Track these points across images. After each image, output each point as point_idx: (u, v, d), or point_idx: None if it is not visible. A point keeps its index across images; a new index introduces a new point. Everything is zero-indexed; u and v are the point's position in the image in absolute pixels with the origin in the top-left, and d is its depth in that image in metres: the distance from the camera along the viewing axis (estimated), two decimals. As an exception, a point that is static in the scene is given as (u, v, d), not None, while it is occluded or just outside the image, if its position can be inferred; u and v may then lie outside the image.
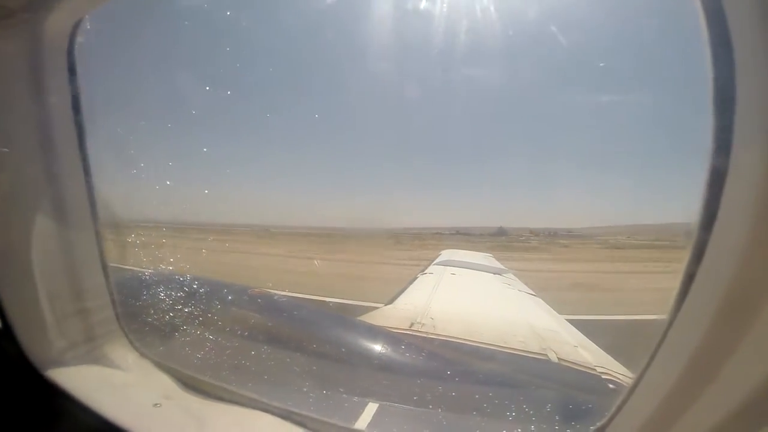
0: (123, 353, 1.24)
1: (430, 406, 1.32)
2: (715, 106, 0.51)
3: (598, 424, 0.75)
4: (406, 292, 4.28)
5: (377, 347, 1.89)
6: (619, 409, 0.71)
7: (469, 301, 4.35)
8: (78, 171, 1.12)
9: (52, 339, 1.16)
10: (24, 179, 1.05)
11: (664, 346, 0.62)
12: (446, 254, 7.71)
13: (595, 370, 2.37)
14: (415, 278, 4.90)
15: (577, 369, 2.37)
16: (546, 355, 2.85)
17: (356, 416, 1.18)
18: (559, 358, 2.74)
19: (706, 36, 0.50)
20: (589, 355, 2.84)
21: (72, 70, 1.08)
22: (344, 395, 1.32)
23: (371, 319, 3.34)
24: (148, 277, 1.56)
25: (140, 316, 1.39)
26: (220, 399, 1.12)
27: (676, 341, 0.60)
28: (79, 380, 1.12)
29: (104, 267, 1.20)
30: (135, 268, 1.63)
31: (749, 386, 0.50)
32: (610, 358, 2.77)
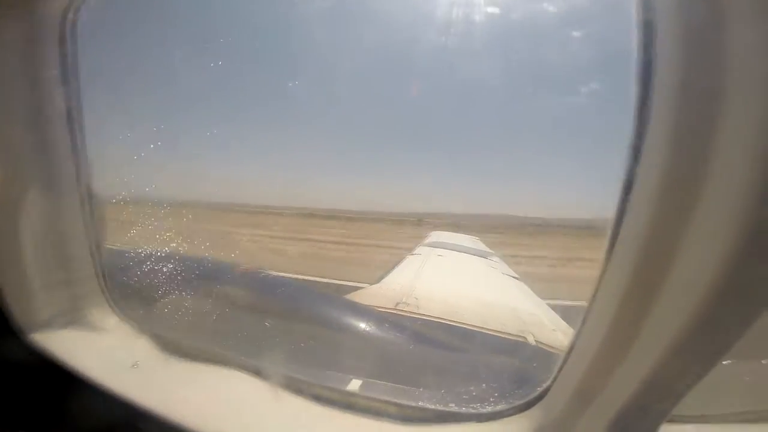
0: (104, 317, 1.29)
1: (411, 383, 1.40)
2: (635, 115, 0.57)
3: (544, 385, 0.85)
4: (393, 272, 4.37)
5: (361, 325, 1.94)
6: (560, 370, 0.79)
7: (454, 282, 4.46)
8: (67, 145, 1.14)
9: (38, 305, 1.20)
10: (15, 152, 1.07)
11: (590, 317, 0.69)
12: (435, 236, 7.84)
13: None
14: (404, 258, 5.00)
15: (548, 350, 2.49)
16: (524, 337, 2.97)
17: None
18: (536, 341, 2.87)
19: (638, 38, 0.55)
20: (565, 339, 2.96)
21: (63, 46, 1.07)
22: (327, 371, 1.36)
23: (357, 298, 3.42)
24: (136, 251, 1.60)
25: (123, 282, 1.44)
26: (198, 360, 1.17)
27: (598, 313, 0.67)
28: (62, 344, 1.17)
29: (90, 237, 1.23)
30: (124, 246, 1.67)
31: (660, 349, 0.57)
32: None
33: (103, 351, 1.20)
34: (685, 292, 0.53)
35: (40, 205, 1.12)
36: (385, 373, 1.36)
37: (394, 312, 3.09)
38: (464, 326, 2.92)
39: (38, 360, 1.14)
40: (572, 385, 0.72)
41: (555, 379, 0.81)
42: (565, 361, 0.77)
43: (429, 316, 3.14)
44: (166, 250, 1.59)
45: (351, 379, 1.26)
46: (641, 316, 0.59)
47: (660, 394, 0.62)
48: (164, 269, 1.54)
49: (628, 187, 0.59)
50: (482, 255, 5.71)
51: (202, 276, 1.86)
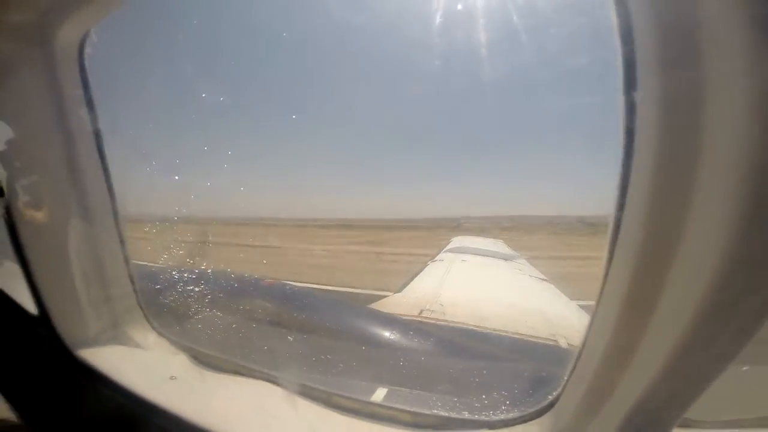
0: (144, 334, 1.39)
1: (438, 390, 1.36)
2: (624, 110, 0.57)
3: (555, 392, 0.84)
4: (416, 279, 4.36)
5: (386, 333, 1.95)
6: (569, 376, 0.78)
7: (479, 287, 4.40)
8: (98, 172, 1.24)
9: (83, 324, 1.31)
10: (52, 182, 1.18)
11: (595, 321, 0.68)
12: (457, 241, 7.71)
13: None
14: (426, 266, 4.97)
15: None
16: (555, 340, 2.89)
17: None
18: (569, 344, 2.78)
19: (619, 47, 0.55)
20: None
21: (84, 79, 1.17)
22: (353, 380, 1.39)
23: (382, 306, 3.43)
24: (165, 269, 1.71)
25: (159, 302, 1.54)
26: (230, 372, 1.24)
27: (603, 316, 0.66)
28: (105, 359, 1.27)
29: (126, 259, 1.34)
30: (154, 264, 1.78)
31: (665, 352, 0.56)
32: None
33: (143, 365, 1.29)
34: (687, 292, 0.53)
35: (80, 229, 1.22)
36: (405, 381, 1.37)
37: (419, 320, 3.08)
38: (492, 331, 2.87)
39: (85, 374, 1.24)
40: (581, 392, 0.71)
41: (565, 385, 0.79)
42: (573, 367, 0.76)
43: (455, 322, 3.11)
44: (196, 269, 1.69)
45: (375, 389, 1.28)
46: (645, 318, 0.58)
47: (668, 399, 0.61)
48: (195, 287, 1.64)
49: (624, 186, 0.58)
50: (507, 258, 5.58)
51: (230, 292, 1.95)
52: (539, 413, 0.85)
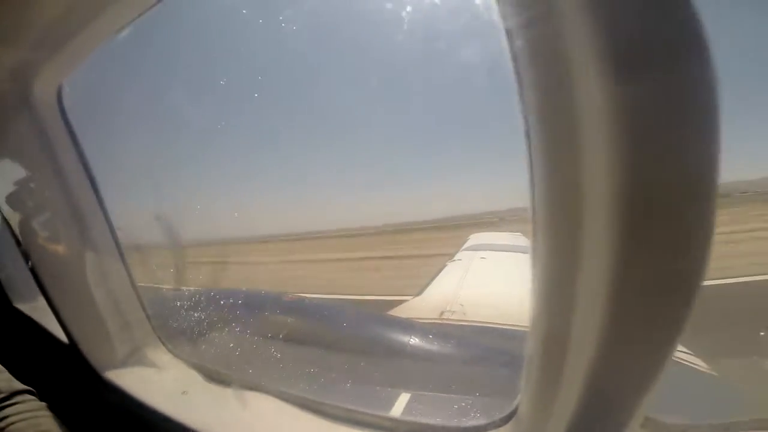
0: (160, 356, 1.52)
1: (461, 392, 1.35)
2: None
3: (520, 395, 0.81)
4: (434, 282, 4.33)
5: (406, 338, 1.93)
6: (523, 377, 0.74)
7: (501, 283, 4.30)
8: (96, 208, 1.36)
9: (108, 350, 1.46)
10: (57, 223, 1.32)
11: (532, 317, 0.68)
12: (474, 238, 7.46)
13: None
14: (444, 267, 4.92)
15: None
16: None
17: (389, 407, 1.24)
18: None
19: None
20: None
21: (67, 123, 1.26)
22: (375, 388, 1.40)
23: (400, 312, 3.43)
24: (178, 294, 1.83)
25: (172, 325, 1.66)
26: (239, 387, 1.31)
27: (535, 311, 0.65)
28: (127, 378, 1.41)
29: (135, 288, 1.47)
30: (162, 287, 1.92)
31: (589, 351, 0.56)
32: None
33: (159, 383, 1.41)
34: (595, 293, 0.52)
35: (89, 265, 1.36)
36: (425, 386, 1.38)
37: (439, 322, 3.05)
38: (519, 329, 2.80)
39: (111, 392, 1.39)
40: (530, 393, 0.70)
41: (523, 387, 0.75)
42: (526, 367, 0.72)
43: (478, 321, 3.05)
44: (202, 291, 1.80)
45: (393, 398, 1.29)
46: (566, 317, 0.58)
47: (609, 399, 0.59)
48: (204, 309, 1.74)
49: (532, 188, 0.57)
50: (527, 251, 5.38)
51: (243, 310, 2.04)
52: (509, 417, 0.83)
